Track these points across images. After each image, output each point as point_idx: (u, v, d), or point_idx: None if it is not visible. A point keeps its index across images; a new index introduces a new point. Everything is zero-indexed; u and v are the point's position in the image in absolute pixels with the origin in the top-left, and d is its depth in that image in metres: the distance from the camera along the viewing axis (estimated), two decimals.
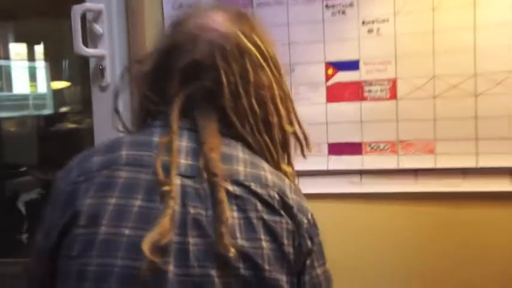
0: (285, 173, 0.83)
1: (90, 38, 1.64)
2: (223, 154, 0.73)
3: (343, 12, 1.53)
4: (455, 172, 1.45)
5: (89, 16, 1.64)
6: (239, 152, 0.76)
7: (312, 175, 1.57)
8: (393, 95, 1.49)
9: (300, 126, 0.89)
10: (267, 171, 0.76)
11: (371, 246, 1.49)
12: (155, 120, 0.78)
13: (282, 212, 0.72)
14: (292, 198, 0.75)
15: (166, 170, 0.68)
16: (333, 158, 1.56)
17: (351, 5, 1.52)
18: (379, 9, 1.50)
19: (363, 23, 1.52)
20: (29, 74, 2.73)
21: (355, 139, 1.54)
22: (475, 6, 1.41)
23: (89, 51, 1.63)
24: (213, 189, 0.68)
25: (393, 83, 1.49)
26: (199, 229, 0.65)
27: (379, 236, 1.49)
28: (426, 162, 1.47)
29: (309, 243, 0.74)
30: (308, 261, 0.74)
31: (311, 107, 1.57)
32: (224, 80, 0.75)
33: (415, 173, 1.49)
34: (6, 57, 2.68)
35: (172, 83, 0.77)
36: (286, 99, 0.85)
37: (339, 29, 1.54)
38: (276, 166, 0.81)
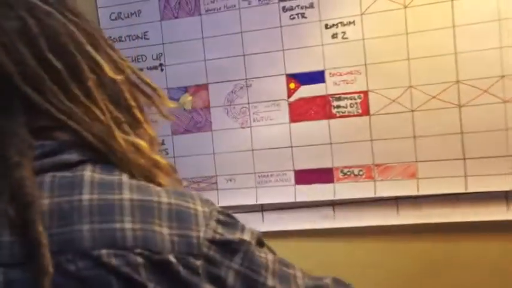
0: (138, 147, 0.71)
1: None
2: (50, 187, 0.62)
3: (303, 15, 1.55)
4: (442, 199, 1.46)
5: None
6: (84, 172, 0.64)
7: (277, 209, 1.61)
8: (365, 110, 1.51)
9: (134, 72, 0.77)
10: (124, 210, 0.62)
11: None
12: None
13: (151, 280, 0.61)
14: (166, 239, 0.63)
15: None
16: (301, 187, 1.59)
17: (311, 6, 1.54)
18: (343, 9, 1.52)
19: (326, 26, 1.54)
20: None
21: (325, 164, 1.56)
22: (452, 1, 1.42)
23: None
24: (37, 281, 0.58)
25: (364, 96, 1.51)
26: None
27: (356, 276, 1.50)
28: (407, 189, 1.49)
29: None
30: None
31: (272, 128, 1.60)
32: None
33: (396, 202, 1.50)
34: None
35: None
36: (100, 40, 0.73)
37: (299, 34, 1.56)
38: (124, 143, 0.69)
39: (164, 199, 0.65)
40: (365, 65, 1.51)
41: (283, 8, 1.57)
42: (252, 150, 1.62)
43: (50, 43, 0.65)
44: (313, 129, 1.56)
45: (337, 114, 1.54)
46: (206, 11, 1.63)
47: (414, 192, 1.48)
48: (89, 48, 0.69)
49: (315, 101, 1.56)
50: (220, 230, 0.65)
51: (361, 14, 1.50)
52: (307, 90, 1.57)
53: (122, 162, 0.68)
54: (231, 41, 1.61)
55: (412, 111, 1.47)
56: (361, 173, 1.53)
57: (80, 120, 0.66)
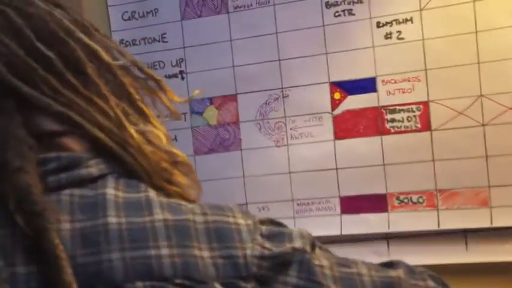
0: (152, 139, 0.72)
1: None
2: (70, 208, 0.63)
3: (350, 12, 1.52)
4: None
5: None
6: (106, 189, 0.65)
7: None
8: (425, 125, 1.47)
9: (134, 62, 0.77)
10: (158, 234, 0.62)
11: None
12: None
13: None
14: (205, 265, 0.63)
15: None
16: (348, 218, 1.55)
17: (360, 0, 1.51)
18: (398, 4, 1.48)
19: (378, 25, 1.50)
20: None
21: (378, 189, 1.52)
22: None
23: None
24: None
25: (425, 108, 1.47)
26: None
27: None
28: (478, 220, 1.44)
29: None
30: None
31: (314, 147, 1.56)
32: None
33: (464, 235, 1.46)
34: None
35: None
36: (90, 28, 0.73)
37: (345, 35, 1.53)
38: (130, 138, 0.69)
39: (199, 217, 0.65)
40: (425, 70, 1.47)
41: (327, 3, 1.54)
42: (289, 173, 1.58)
43: (38, 32, 0.66)
44: (363, 147, 1.53)
45: (392, 130, 1.50)
46: (235, 8, 1.61)
47: (487, 224, 1.43)
48: (81, 35, 0.69)
49: (365, 114, 1.52)
50: (267, 244, 0.65)
51: (421, 10, 1.47)
52: (355, 101, 1.53)
53: (137, 157, 0.68)
54: (264, 44, 1.59)
55: (483, 125, 1.42)
56: (421, 200, 1.48)
57: (83, 111, 0.66)
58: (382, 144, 1.51)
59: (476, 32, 1.42)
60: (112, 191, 0.64)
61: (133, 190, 0.66)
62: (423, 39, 1.47)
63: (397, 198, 1.51)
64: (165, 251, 0.61)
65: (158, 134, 0.73)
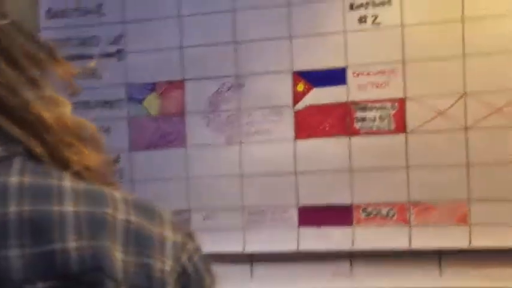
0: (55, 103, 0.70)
1: None
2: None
3: None
4: (502, 255, 1.39)
5: None
6: (9, 177, 0.65)
7: (273, 260, 1.55)
8: (401, 126, 1.46)
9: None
10: (67, 226, 0.63)
11: None
12: None
13: None
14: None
15: None
16: (307, 231, 1.53)
17: None
18: None
19: (352, 7, 1.49)
20: None
21: (342, 199, 1.51)
22: None
23: None
24: None
25: (400, 106, 1.46)
26: None
27: None
28: (455, 239, 1.43)
29: None
30: None
31: (271, 146, 1.55)
32: None
33: (438, 256, 1.45)
34: None
35: None
36: None
37: (312, 17, 1.51)
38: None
39: (121, 214, 0.64)
40: (402, 62, 1.46)
41: None
42: (241, 176, 1.56)
43: None
44: (327, 149, 1.51)
45: (362, 130, 1.49)
46: None
47: (464, 245, 1.43)
48: None
49: (332, 111, 1.51)
50: (190, 269, 0.66)
51: None
52: (321, 95, 1.52)
53: (36, 129, 0.66)
54: (219, 22, 1.57)
55: (466, 128, 1.42)
56: (391, 213, 1.47)
57: None
58: (349, 147, 1.50)
59: (463, 19, 1.42)
60: (16, 177, 0.63)
61: (42, 175, 0.65)
62: (402, 26, 1.46)
63: (364, 211, 1.50)
64: (72, 244, 0.60)
65: (62, 100, 0.69)
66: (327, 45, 1.51)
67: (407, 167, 1.46)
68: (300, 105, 1.53)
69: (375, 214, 1.49)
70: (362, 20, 1.49)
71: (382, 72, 1.48)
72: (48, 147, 0.67)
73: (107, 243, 0.62)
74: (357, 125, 1.50)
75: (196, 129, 1.59)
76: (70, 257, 0.60)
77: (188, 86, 1.59)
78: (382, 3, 1.48)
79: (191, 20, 1.59)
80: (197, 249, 0.68)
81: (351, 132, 1.50)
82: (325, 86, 1.52)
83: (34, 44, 0.72)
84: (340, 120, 1.51)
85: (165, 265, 0.64)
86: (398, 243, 1.47)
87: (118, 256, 0.62)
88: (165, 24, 1.60)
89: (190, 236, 0.68)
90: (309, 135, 1.52)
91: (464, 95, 1.42)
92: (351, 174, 1.50)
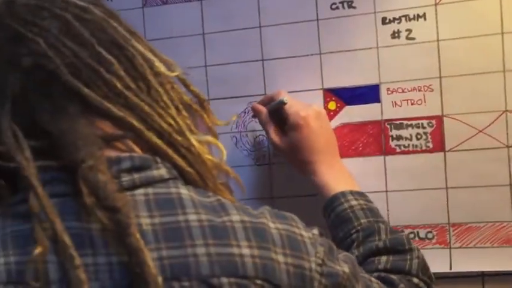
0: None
1: None
2: (146, 205, 0.78)
3: (351, 4, 1.48)
4: None
5: None
6: (180, 190, 0.81)
7: None
8: (438, 145, 1.44)
9: (181, 78, 0.94)
10: (238, 233, 0.78)
11: None
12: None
13: None
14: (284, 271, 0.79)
15: None
16: None
17: None
18: None
19: (384, 21, 1.46)
20: None
21: None
22: None
23: None
24: None
25: (438, 124, 1.44)
26: None
27: None
28: (499, 262, 1.41)
29: None
30: None
31: None
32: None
33: (481, 279, 1.43)
34: None
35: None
36: (141, 38, 0.88)
37: (343, 32, 1.49)
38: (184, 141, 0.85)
39: (270, 223, 0.80)
40: (439, 78, 1.43)
41: None
42: (271, 198, 1.54)
43: (97, 37, 0.79)
44: (361, 169, 1.49)
45: (397, 149, 1.47)
46: None
47: (509, 267, 1.41)
48: (136, 43, 0.83)
49: (365, 129, 1.49)
50: (325, 259, 0.81)
51: (436, 4, 1.43)
52: (353, 113, 1.49)
53: (194, 164, 0.84)
54: (245, 40, 1.54)
55: (508, 147, 1.39)
56: (430, 236, 1.45)
57: (146, 116, 0.81)
58: (385, 166, 1.48)
59: (502, 34, 1.39)
60: (186, 191, 0.79)
61: (203, 195, 0.81)
62: (438, 40, 1.43)
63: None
64: (246, 251, 0.76)
65: (216, 143, 0.93)
66: (359, 62, 1.49)
67: (447, 187, 1.44)
68: (332, 123, 1.49)
69: (412, 237, 1.46)
70: (395, 35, 1.46)
71: (417, 89, 1.45)
72: (201, 177, 0.85)
73: (271, 253, 0.77)
74: (392, 144, 1.47)
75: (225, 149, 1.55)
76: (245, 261, 0.75)
77: (214, 106, 1.54)
78: (416, 17, 1.45)
79: (215, 37, 1.56)
80: (320, 233, 0.85)
81: (386, 151, 1.48)
82: (358, 104, 1.49)
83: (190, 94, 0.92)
84: (375, 139, 1.48)
85: (311, 263, 0.80)
86: (438, 267, 1.44)
87: (281, 260, 0.77)
88: (189, 42, 1.58)
89: (313, 229, 0.85)
90: (342, 155, 1.48)
91: (505, 112, 1.39)
92: (386, 194, 1.48)
